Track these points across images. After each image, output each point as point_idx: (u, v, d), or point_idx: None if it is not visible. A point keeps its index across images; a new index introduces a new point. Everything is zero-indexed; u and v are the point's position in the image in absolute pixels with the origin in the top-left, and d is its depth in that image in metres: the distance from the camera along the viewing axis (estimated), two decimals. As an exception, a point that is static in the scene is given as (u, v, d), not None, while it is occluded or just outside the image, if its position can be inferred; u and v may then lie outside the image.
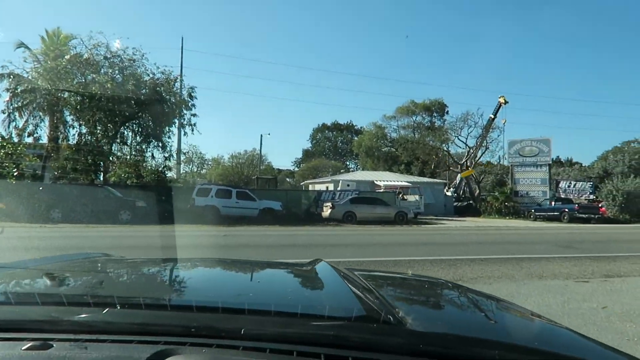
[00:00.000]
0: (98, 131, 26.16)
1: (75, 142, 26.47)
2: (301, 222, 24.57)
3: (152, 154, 28.49)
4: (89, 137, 26.30)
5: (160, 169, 28.27)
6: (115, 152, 27.92)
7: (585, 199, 34.74)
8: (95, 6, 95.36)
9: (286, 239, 13.52)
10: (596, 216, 29.34)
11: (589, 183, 36.24)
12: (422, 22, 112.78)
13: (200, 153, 73.46)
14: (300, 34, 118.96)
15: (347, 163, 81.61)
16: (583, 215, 29.17)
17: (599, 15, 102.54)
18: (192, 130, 29.11)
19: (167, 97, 27.95)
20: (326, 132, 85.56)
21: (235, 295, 1.49)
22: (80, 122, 26.12)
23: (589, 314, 4.79)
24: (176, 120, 28.28)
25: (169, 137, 28.78)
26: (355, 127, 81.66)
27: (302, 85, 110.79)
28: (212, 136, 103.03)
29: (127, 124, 28.09)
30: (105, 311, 1.13)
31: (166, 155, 28.46)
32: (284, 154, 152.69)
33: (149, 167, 27.92)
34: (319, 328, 1.09)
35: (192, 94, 28.21)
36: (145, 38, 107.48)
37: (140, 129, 28.12)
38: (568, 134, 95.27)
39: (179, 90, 28.64)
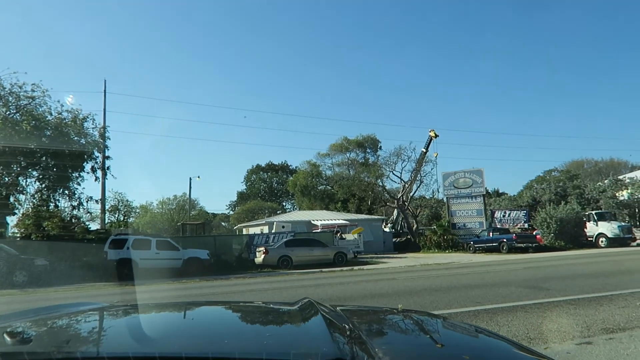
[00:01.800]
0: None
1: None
2: (231, 271, 22.18)
3: (56, 204, 24.97)
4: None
5: (67, 219, 24.77)
6: (12, 202, 24.12)
7: (520, 228, 34.85)
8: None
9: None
10: (533, 245, 29.18)
11: (522, 212, 36.56)
12: (348, 60, 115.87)
13: (127, 201, 69.24)
14: (229, 74, 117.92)
15: (284, 204, 79.88)
16: (521, 245, 28.88)
17: (522, 56, 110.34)
18: (106, 174, 26.10)
19: (77, 138, 24.90)
20: (261, 173, 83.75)
21: (204, 342, 1.47)
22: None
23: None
24: (85, 165, 25.11)
25: (79, 183, 25.44)
26: (290, 167, 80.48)
27: (234, 127, 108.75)
28: (141, 183, 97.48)
29: (29, 169, 24.55)
30: None
31: (74, 204, 25.04)
32: (218, 198, 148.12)
33: (55, 219, 24.36)
34: None
35: (105, 135, 25.34)
36: (66, 82, 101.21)
37: (42, 175, 24.62)
38: (494, 166, 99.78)
39: (91, 131, 25.64)
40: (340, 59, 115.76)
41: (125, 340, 1.56)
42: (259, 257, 23.69)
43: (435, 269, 16.73)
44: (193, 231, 34.41)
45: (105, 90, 33.08)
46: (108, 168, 25.85)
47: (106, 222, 50.50)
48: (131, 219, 68.97)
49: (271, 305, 2.49)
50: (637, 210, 37.04)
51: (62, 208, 25.63)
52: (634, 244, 31.32)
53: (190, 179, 53.09)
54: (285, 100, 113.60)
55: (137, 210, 69.29)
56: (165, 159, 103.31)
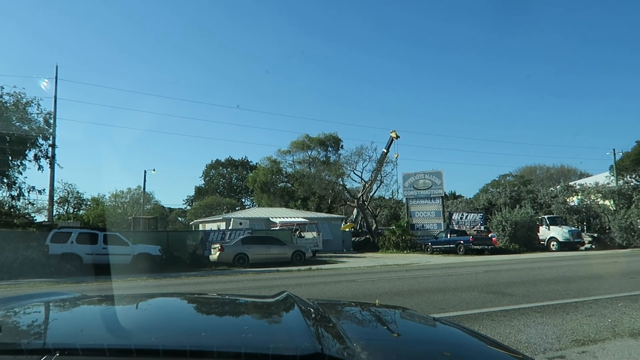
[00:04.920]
0: None
1: None
2: (184, 269, 21.25)
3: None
4: None
5: (5, 209, 23.06)
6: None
7: (476, 230, 35.37)
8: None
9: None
10: (489, 247, 29.56)
11: (479, 214, 37.08)
12: (312, 59, 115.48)
13: (78, 192, 66.42)
14: (190, 67, 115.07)
15: (243, 200, 78.59)
16: (477, 247, 29.22)
17: (484, 71, 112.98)
18: (52, 163, 24.45)
19: (19, 124, 23.14)
20: (220, 168, 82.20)
21: (182, 335, 1.46)
22: None
23: None
24: (28, 153, 23.34)
25: (20, 172, 23.66)
26: (250, 163, 79.23)
27: (194, 120, 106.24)
28: (95, 174, 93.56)
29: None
30: (43, 359, 1.11)
31: (14, 193, 23.27)
32: (175, 192, 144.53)
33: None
34: None
35: (49, 121, 23.66)
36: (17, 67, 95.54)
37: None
38: (452, 169, 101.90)
39: (36, 117, 23.86)
40: (305, 56, 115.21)
41: (101, 332, 1.50)
42: (214, 255, 22.91)
43: (396, 271, 16.44)
44: (145, 226, 32.95)
45: (56, 77, 31.15)
46: (53, 157, 24.21)
47: (54, 214, 47.83)
48: (82, 211, 66.18)
49: (250, 299, 2.51)
50: (585, 216, 38.33)
51: (0, 198, 23.85)
52: (583, 248, 32.41)
53: (145, 171, 51.08)
54: (247, 95, 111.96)
55: (89, 203, 66.56)
56: (121, 150, 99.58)
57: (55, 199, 45.86)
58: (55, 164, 24.85)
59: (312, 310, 1.80)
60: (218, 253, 22.64)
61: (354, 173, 42.52)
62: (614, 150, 44.01)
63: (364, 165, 41.64)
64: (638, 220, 34.20)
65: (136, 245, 21.67)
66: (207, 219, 44.47)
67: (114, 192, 67.39)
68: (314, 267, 20.23)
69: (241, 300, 2.37)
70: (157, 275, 17.25)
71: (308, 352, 1.13)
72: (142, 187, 54.13)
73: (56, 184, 26.64)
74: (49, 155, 24.41)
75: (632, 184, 41.49)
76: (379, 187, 42.58)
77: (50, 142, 24.31)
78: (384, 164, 41.49)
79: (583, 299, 7.65)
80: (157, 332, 1.52)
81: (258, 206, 58.27)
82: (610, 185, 41.23)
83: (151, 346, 1.20)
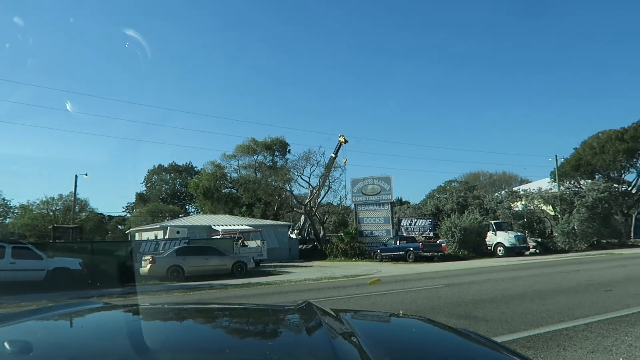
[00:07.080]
0: None
1: None
2: (110, 284, 18.82)
3: None
4: None
5: None
6: None
7: (424, 236, 34.82)
8: None
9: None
10: (439, 254, 28.90)
11: (428, 220, 36.55)
12: (259, 60, 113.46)
13: (4, 200, 60.82)
14: (128, 68, 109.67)
15: (187, 207, 75.21)
16: (427, 254, 28.50)
17: (431, 76, 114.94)
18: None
19: None
20: (163, 174, 78.28)
21: (205, 353, 1.45)
22: None
23: None
24: None
25: None
26: (195, 169, 75.97)
27: (136, 123, 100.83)
28: (24, 180, 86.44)
29: None
30: None
31: None
32: (116, 199, 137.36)
33: None
34: None
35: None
36: None
37: None
38: (399, 175, 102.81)
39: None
40: (250, 59, 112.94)
41: (119, 349, 1.43)
42: (145, 267, 20.68)
43: (345, 286, 14.87)
44: (68, 236, 29.76)
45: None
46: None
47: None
48: (7, 219, 60.65)
49: (270, 309, 2.47)
50: (528, 221, 38.76)
51: None
52: (528, 252, 32.51)
53: (77, 176, 46.98)
54: (191, 97, 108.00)
55: (16, 211, 61.21)
56: (54, 154, 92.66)
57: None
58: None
59: (335, 322, 1.77)
60: (149, 266, 20.44)
61: (302, 178, 40.99)
62: (555, 156, 44.98)
63: (311, 170, 40.18)
64: (577, 225, 34.92)
65: (52, 258, 19.07)
66: (144, 228, 41.51)
67: (43, 199, 62.18)
68: (253, 280, 18.39)
69: (263, 311, 2.32)
70: (69, 294, 14.82)
71: None
72: (74, 193, 49.92)
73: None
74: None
75: (572, 189, 42.52)
76: (327, 192, 41.21)
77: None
78: (332, 169, 40.23)
79: (572, 323, 6.39)
80: (170, 347, 1.46)
81: (202, 213, 55.50)
82: (552, 191, 42.03)
83: None
